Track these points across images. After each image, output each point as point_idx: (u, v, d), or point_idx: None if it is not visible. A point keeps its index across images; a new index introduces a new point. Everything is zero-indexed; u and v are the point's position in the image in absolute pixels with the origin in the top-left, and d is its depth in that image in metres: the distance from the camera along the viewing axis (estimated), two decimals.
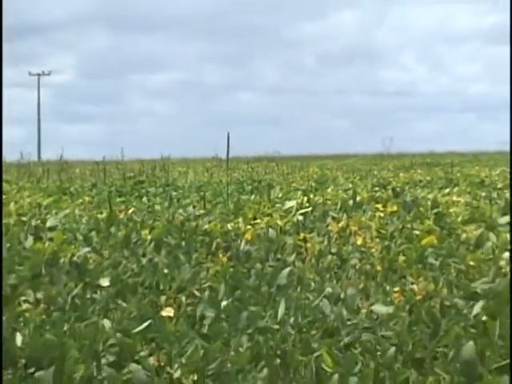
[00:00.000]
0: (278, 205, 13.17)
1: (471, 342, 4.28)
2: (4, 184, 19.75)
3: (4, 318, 5.37)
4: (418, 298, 5.81)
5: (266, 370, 4.37)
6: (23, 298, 6.12)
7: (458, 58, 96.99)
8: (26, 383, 4.02)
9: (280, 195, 15.46)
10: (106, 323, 5.19)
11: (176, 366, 4.37)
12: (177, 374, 4.23)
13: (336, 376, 4.22)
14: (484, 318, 5.07)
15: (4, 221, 11.07)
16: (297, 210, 12.08)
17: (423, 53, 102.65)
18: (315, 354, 4.58)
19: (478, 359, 4.18)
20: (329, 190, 16.78)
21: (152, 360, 4.53)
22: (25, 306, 5.90)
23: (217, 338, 4.91)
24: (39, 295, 6.17)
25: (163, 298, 6.03)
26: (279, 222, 10.60)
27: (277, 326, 5.10)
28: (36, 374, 4.19)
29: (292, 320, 5.21)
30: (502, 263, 7.18)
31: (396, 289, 6.19)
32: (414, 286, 6.13)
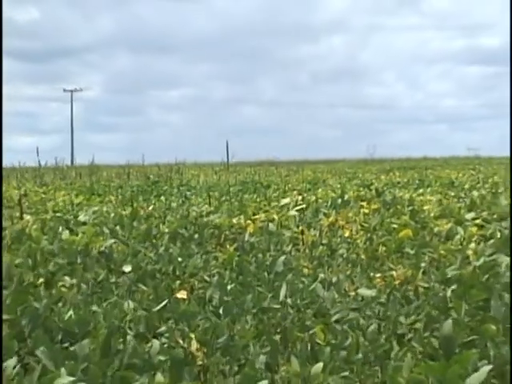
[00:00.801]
0: (275, 203, 13.20)
1: (450, 320, 4.30)
2: (41, 186, 19.77)
3: (44, 300, 5.39)
4: (397, 282, 5.83)
5: (268, 344, 4.40)
6: (60, 282, 6.15)
7: (431, 77, 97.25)
8: (63, 354, 4.02)
9: (277, 194, 15.47)
10: (129, 304, 5.21)
11: (189, 340, 4.38)
12: (190, 348, 4.24)
13: (328, 349, 4.24)
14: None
15: (42, 216, 11.10)
16: (293, 206, 12.13)
17: (402, 72, 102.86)
18: (310, 331, 4.61)
19: (455, 335, 4.19)
20: (320, 190, 16.79)
21: (168, 335, 4.55)
22: (62, 289, 5.92)
23: (224, 317, 4.93)
24: (74, 280, 6.19)
25: (178, 282, 6.04)
26: (276, 217, 10.63)
27: (278, 306, 5.12)
28: (71, 348, 4.21)
29: (290, 301, 5.23)
30: (469, 253, 7.20)
31: (378, 275, 6.21)
32: (394, 273, 6.14)
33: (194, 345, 4.28)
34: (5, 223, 10.26)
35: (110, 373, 3.60)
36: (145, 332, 4.61)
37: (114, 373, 3.69)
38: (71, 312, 4.85)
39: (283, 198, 14.17)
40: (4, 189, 18.53)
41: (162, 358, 4.01)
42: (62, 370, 3.50)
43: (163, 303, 5.11)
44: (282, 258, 6.86)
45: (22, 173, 26.72)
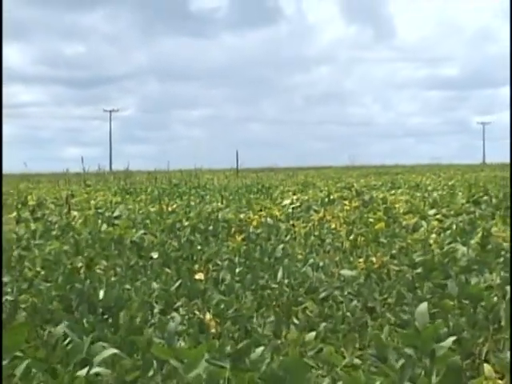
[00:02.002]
0: (276, 201, 13.21)
1: (425, 304, 4.29)
2: (85, 187, 19.77)
3: (87, 280, 5.39)
4: (376, 266, 5.82)
5: (271, 316, 4.39)
6: (98, 266, 6.14)
7: (401, 100, 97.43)
8: (102, 325, 4.02)
9: (277, 195, 15.47)
10: (156, 284, 5.21)
11: (204, 312, 4.38)
12: (206, 318, 4.24)
13: (318, 319, 4.24)
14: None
15: (85, 212, 11.11)
16: (289, 204, 12.14)
17: (377, 96, 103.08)
18: (303, 306, 4.61)
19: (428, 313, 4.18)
20: (311, 191, 16.78)
21: (186, 309, 4.55)
22: (100, 271, 5.92)
23: (233, 294, 4.92)
24: (110, 264, 6.19)
25: (196, 266, 6.03)
26: (277, 214, 10.65)
27: (276, 285, 5.11)
28: (109, 319, 4.21)
29: (286, 281, 5.22)
30: (431, 242, 7.20)
31: (361, 260, 6.19)
32: (373, 258, 6.13)
33: (208, 316, 4.28)
34: (55, 218, 10.28)
35: (145, 339, 3.58)
36: (168, 306, 4.60)
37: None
38: (109, 290, 4.86)
39: (282, 198, 14.18)
40: (55, 190, 18.56)
41: (182, 327, 4.00)
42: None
43: (178, 282, 5.12)
44: (280, 246, 6.88)
45: (69, 177, 26.73)
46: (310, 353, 3.56)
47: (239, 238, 7.75)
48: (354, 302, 4.59)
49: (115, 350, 3.21)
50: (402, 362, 3.01)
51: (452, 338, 3.11)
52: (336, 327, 4.08)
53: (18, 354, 3.24)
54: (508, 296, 4.30)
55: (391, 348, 3.23)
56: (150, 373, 3.08)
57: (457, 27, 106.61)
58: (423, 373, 2.88)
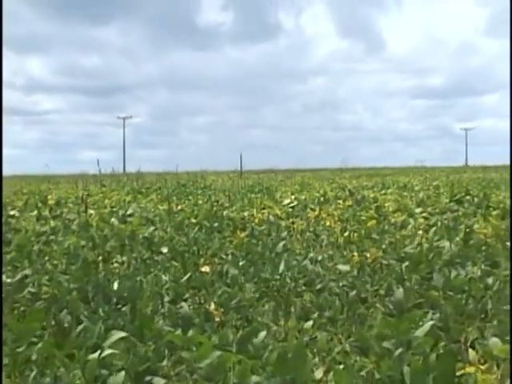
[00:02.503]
0: (278, 200, 13.19)
1: (401, 289, 4.28)
2: (101, 187, 19.76)
3: (103, 272, 5.38)
4: (370, 260, 5.80)
5: (271, 305, 4.38)
6: (114, 259, 6.13)
7: (390, 108, 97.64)
8: (116, 314, 4.01)
9: (276, 195, 15.45)
10: (166, 276, 5.20)
11: (209, 302, 4.37)
12: (211, 308, 4.22)
13: (315, 308, 4.23)
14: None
15: (101, 210, 11.10)
16: (288, 203, 12.13)
17: (368, 104, 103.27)
18: (301, 298, 4.59)
19: (404, 299, 4.17)
20: (307, 191, 16.76)
21: (195, 299, 4.54)
22: (115, 264, 5.91)
23: (236, 285, 4.91)
24: (124, 258, 6.18)
25: (202, 260, 6.02)
26: (277, 212, 10.64)
27: (277, 277, 5.10)
28: (122, 308, 4.20)
29: (287, 274, 5.20)
30: (418, 238, 7.18)
31: (355, 253, 6.18)
32: (367, 253, 6.12)
33: (213, 306, 4.26)
34: (74, 216, 10.28)
35: (156, 327, 3.58)
36: (176, 297, 4.59)
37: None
38: (122, 282, 4.86)
39: (281, 197, 14.16)
40: (73, 190, 18.55)
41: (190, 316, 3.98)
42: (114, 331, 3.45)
43: (188, 275, 5.11)
44: (281, 242, 6.86)
45: (86, 178, 26.74)
46: (306, 338, 3.55)
47: (242, 234, 7.74)
48: (348, 294, 4.59)
49: (124, 333, 3.20)
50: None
51: (429, 324, 3.10)
52: (335, 316, 4.07)
53: (35, 339, 3.24)
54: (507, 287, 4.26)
55: (373, 338, 3.21)
56: (162, 361, 3.06)
57: (441, 41, 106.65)
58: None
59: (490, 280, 4.80)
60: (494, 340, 3.25)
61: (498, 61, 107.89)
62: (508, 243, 6.49)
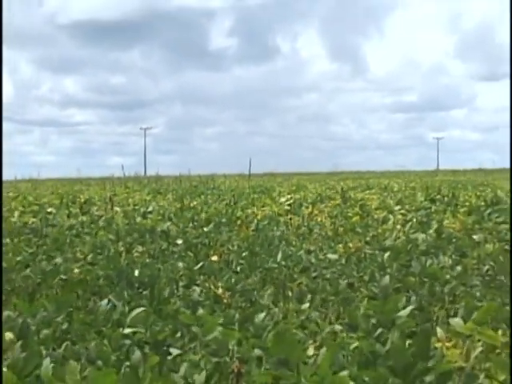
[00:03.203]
0: (276, 199, 13.18)
1: (387, 276, 4.26)
2: (125, 188, 19.75)
3: (126, 261, 5.36)
4: (353, 250, 5.80)
5: (270, 289, 4.37)
6: (135, 250, 6.12)
7: (372, 121, 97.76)
8: (138, 296, 4.00)
9: (276, 195, 15.44)
10: (181, 264, 5.19)
11: (218, 287, 4.37)
12: (219, 291, 4.21)
13: (309, 292, 4.23)
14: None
15: (125, 208, 11.10)
16: (285, 201, 12.12)
17: (354, 118, 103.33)
18: (297, 282, 4.58)
19: (390, 286, 4.16)
20: (302, 192, 16.75)
21: (206, 284, 4.54)
22: (136, 254, 5.90)
23: (241, 272, 4.90)
24: (144, 249, 6.17)
25: (212, 250, 6.01)
26: (276, 209, 10.63)
27: (276, 266, 5.09)
28: (143, 292, 4.19)
29: (284, 263, 5.19)
30: (396, 232, 7.18)
31: (341, 245, 6.17)
32: (350, 244, 6.11)
33: (221, 290, 4.25)
34: (102, 212, 10.28)
35: (172, 308, 3.57)
36: (190, 282, 4.58)
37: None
38: (143, 269, 4.85)
39: (279, 197, 14.15)
40: (101, 191, 18.55)
41: (200, 298, 3.98)
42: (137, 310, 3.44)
43: (199, 264, 5.10)
44: (279, 235, 6.87)
45: (113, 180, 26.74)
46: (301, 317, 3.54)
47: (246, 228, 7.73)
48: (337, 279, 4.58)
49: (143, 308, 3.20)
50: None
51: (410, 307, 3.09)
52: (326, 299, 4.06)
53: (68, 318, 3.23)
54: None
55: (361, 317, 3.20)
56: (177, 335, 3.06)
57: (416, 64, 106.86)
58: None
59: (458, 268, 4.80)
60: (456, 320, 3.24)
61: (464, 80, 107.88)
62: (474, 236, 6.48)
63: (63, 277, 4.66)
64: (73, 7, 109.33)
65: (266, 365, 2.52)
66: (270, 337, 2.80)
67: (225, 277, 4.67)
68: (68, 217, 9.56)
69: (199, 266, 5.04)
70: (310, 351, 2.88)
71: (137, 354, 2.39)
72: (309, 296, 4.10)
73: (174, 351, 2.80)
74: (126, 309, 3.42)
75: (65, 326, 3.06)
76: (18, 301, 3.80)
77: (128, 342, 2.78)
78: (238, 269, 5.05)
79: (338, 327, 3.29)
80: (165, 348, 2.86)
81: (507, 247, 5.67)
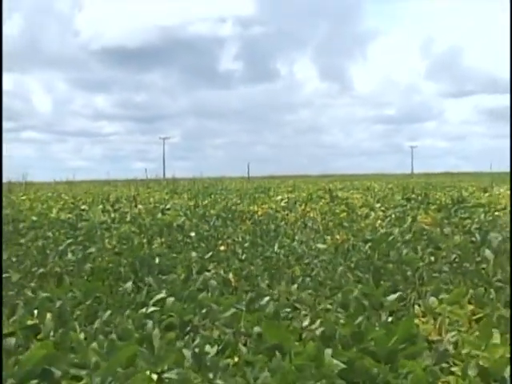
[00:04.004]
0: (273, 198, 13.16)
1: (379, 261, 4.26)
2: (147, 189, 19.72)
3: (148, 251, 5.34)
4: (340, 242, 5.78)
5: (269, 274, 4.36)
6: (155, 241, 6.10)
7: (357, 131, 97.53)
8: (157, 280, 3.98)
9: (274, 194, 15.41)
10: (194, 253, 5.17)
11: (227, 273, 4.36)
12: (227, 276, 4.20)
13: (301, 276, 4.22)
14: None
15: (140, 206, 11.06)
16: (281, 200, 12.10)
17: (342, 129, 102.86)
18: (292, 269, 4.57)
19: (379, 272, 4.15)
20: (297, 192, 16.71)
21: (215, 270, 4.52)
22: (156, 245, 5.88)
23: (245, 260, 4.88)
24: (163, 240, 6.15)
25: (219, 241, 5.99)
26: (274, 206, 10.61)
27: (274, 255, 5.07)
28: (163, 277, 4.17)
29: (281, 252, 5.18)
30: (377, 226, 7.16)
31: (329, 237, 6.15)
32: (337, 236, 6.09)
33: (230, 275, 4.24)
34: (127, 209, 10.27)
35: (187, 291, 3.55)
36: (201, 268, 4.57)
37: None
38: (162, 257, 4.84)
39: (277, 196, 14.12)
40: (127, 191, 18.52)
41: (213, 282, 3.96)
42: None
43: (210, 253, 5.09)
44: (276, 228, 6.85)
45: (137, 182, 26.71)
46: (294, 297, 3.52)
47: (248, 223, 7.72)
48: (327, 265, 4.56)
49: (164, 294, 3.19)
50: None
51: (396, 295, 3.08)
52: (319, 282, 4.04)
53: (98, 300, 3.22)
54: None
55: (352, 298, 3.19)
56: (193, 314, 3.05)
57: (394, 83, 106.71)
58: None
59: (429, 256, 4.78)
60: (433, 299, 3.23)
61: (435, 98, 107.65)
62: (445, 229, 6.46)
63: (90, 265, 4.65)
64: (103, 36, 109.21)
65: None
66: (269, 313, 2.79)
67: (232, 264, 4.65)
68: (102, 212, 9.56)
69: (209, 254, 5.03)
70: (306, 323, 2.87)
71: (156, 330, 2.38)
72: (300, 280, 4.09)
73: (190, 328, 2.79)
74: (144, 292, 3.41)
75: (94, 307, 3.05)
76: (55, 285, 3.80)
77: (149, 321, 2.78)
78: (243, 257, 5.03)
79: (329, 306, 3.28)
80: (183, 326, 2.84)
81: (471, 239, 5.66)
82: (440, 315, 2.92)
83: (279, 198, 12.55)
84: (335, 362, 2.13)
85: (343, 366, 2.10)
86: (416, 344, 2.35)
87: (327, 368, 2.09)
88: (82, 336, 2.44)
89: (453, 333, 2.64)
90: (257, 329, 2.61)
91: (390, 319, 2.87)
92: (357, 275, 4.18)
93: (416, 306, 3.24)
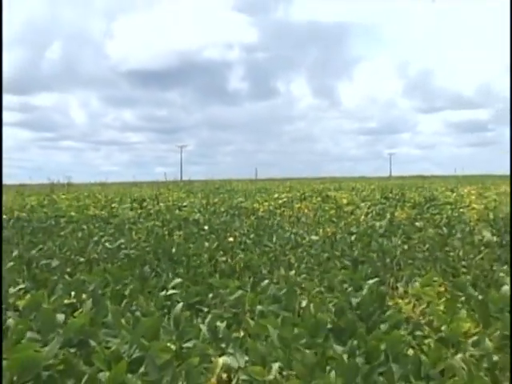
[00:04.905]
0: (272, 197, 13.13)
1: (356, 251, 4.24)
2: (167, 189, 19.70)
3: (168, 242, 5.32)
4: (329, 234, 5.76)
5: (269, 261, 4.35)
6: (175, 233, 6.09)
7: (343, 141, 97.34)
8: (176, 267, 3.97)
9: (273, 194, 15.38)
10: (207, 243, 5.16)
11: (233, 259, 4.34)
12: (233, 263, 4.19)
13: (296, 263, 4.20)
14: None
15: (161, 204, 11.05)
16: (278, 198, 12.08)
17: (331, 138, 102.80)
18: (288, 257, 4.55)
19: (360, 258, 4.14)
20: (293, 192, 16.68)
21: (224, 258, 4.51)
22: (175, 236, 5.87)
23: (249, 249, 4.87)
24: (180, 232, 6.14)
25: (228, 233, 5.98)
26: (273, 204, 10.59)
27: (272, 245, 5.06)
28: (179, 264, 4.15)
29: (278, 243, 5.17)
30: (361, 220, 7.13)
31: (320, 230, 6.13)
32: (328, 229, 6.08)
33: (234, 261, 4.23)
34: (150, 206, 10.27)
35: (200, 276, 3.55)
36: (213, 255, 4.55)
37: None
38: (180, 247, 4.82)
39: (276, 194, 14.09)
40: (150, 191, 18.51)
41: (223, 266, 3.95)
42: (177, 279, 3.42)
43: (219, 243, 5.07)
44: (275, 222, 6.83)
45: (158, 184, 26.73)
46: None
47: (252, 218, 7.70)
48: (319, 253, 4.55)
49: (180, 280, 3.18)
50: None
51: (375, 280, 3.06)
52: (311, 268, 4.03)
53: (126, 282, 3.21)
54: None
55: (337, 282, 3.18)
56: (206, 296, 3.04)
57: (375, 100, 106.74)
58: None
59: (405, 246, 4.77)
60: (404, 283, 3.22)
61: (409, 112, 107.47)
62: (417, 223, 6.44)
63: (125, 252, 4.65)
64: (129, 60, 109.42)
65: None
66: (271, 293, 2.77)
67: (238, 253, 4.64)
68: (131, 209, 9.56)
69: (219, 244, 5.02)
70: (303, 304, 2.86)
71: (178, 306, 2.37)
72: (295, 266, 4.07)
73: (202, 308, 2.78)
74: (169, 275, 3.40)
75: (122, 289, 3.05)
76: (89, 270, 3.80)
77: (168, 302, 2.77)
78: (246, 247, 5.01)
79: (322, 289, 3.27)
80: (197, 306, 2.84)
81: (440, 232, 5.64)
82: (414, 296, 2.91)
83: (276, 195, 12.53)
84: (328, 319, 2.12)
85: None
86: (393, 316, 2.34)
87: (319, 322, 2.07)
88: (111, 314, 2.44)
89: (424, 307, 2.64)
90: (259, 307, 2.60)
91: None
92: (342, 262, 4.17)
93: (394, 289, 3.24)
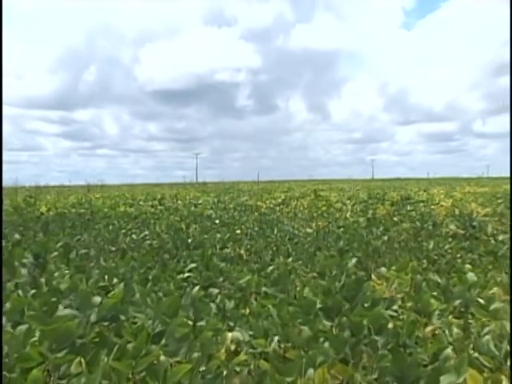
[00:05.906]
0: (273, 196, 13.11)
1: (342, 241, 4.21)
2: (184, 190, 19.68)
3: (185, 234, 5.33)
4: (321, 227, 5.75)
5: (270, 250, 4.34)
6: (191, 226, 6.09)
7: (334, 148, 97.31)
8: (192, 255, 3.96)
9: (274, 194, 15.36)
10: (218, 235, 5.15)
11: (240, 249, 4.33)
12: (240, 252, 4.18)
13: (294, 252, 4.19)
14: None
15: (180, 202, 11.05)
16: (279, 198, 12.05)
17: (322, 147, 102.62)
18: (286, 246, 4.54)
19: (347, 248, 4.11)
20: (290, 192, 16.65)
21: (231, 247, 4.50)
22: (192, 229, 5.87)
23: (253, 240, 4.86)
24: (196, 226, 6.14)
25: (236, 227, 5.98)
26: (274, 201, 10.57)
27: (273, 236, 5.05)
28: (194, 252, 4.16)
29: (278, 234, 5.16)
30: (347, 216, 7.11)
31: (313, 224, 6.12)
32: (320, 223, 6.07)
33: (242, 250, 4.22)
34: (170, 204, 10.28)
35: (212, 262, 3.54)
36: (222, 246, 4.55)
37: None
38: (195, 238, 4.82)
39: (275, 194, 14.05)
40: (170, 191, 18.51)
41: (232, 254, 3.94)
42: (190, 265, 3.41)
43: (229, 234, 5.07)
44: (276, 217, 6.81)
45: (177, 185, 26.72)
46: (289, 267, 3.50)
47: (256, 214, 7.69)
48: (311, 244, 4.54)
49: (195, 264, 3.17)
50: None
51: (354, 261, 3.06)
52: (305, 256, 4.02)
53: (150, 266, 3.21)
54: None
55: (326, 267, 3.17)
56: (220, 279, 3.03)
57: (360, 114, 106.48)
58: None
59: (385, 237, 4.75)
60: (383, 269, 3.22)
61: (388, 125, 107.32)
62: (395, 218, 6.42)
63: (148, 242, 4.65)
64: (154, 81, 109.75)
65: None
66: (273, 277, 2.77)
67: (244, 243, 4.64)
68: (152, 206, 9.57)
69: (229, 236, 5.03)
70: (299, 287, 2.85)
71: (195, 289, 2.37)
72: (292, 254, 4.07)
73: (214, 290, 2.78)
74: (186, 262, 3.39)
75: (147, 273, 3.05)
76: (120, 258, 3.80)
77: (185, 284, 2.78)
78: (252, 238, 5.01)
79: (314, 274, 3.26)
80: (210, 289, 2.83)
81: (414, 225, 5.62)
82: (390, 279, 2.91)
83: (278, 195, 12.51)
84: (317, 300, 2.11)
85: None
86: (372, 295, 2.34)
87: (311, 302, 2.07)
88: (138, 294, 2.44)
89: (395, 287, 2.64)
90: (263, 289, 2.60)
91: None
92: (331, 251, 4.16)
93: (373, 274, 3.23)
